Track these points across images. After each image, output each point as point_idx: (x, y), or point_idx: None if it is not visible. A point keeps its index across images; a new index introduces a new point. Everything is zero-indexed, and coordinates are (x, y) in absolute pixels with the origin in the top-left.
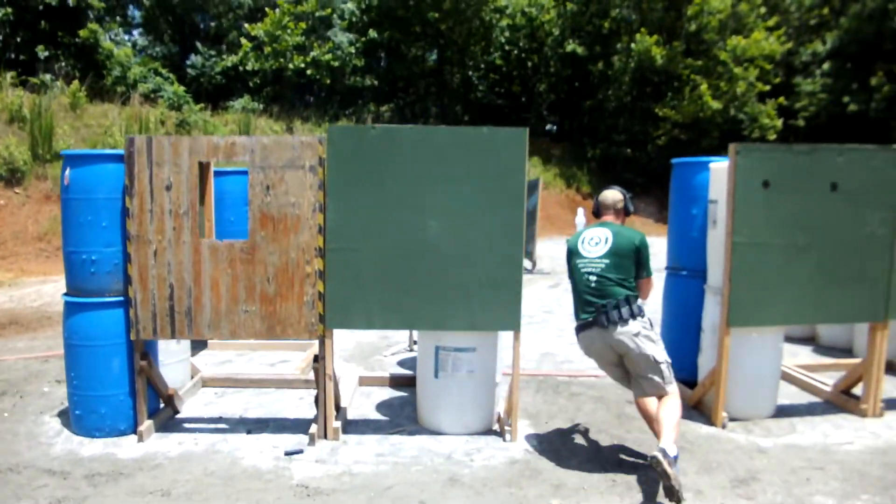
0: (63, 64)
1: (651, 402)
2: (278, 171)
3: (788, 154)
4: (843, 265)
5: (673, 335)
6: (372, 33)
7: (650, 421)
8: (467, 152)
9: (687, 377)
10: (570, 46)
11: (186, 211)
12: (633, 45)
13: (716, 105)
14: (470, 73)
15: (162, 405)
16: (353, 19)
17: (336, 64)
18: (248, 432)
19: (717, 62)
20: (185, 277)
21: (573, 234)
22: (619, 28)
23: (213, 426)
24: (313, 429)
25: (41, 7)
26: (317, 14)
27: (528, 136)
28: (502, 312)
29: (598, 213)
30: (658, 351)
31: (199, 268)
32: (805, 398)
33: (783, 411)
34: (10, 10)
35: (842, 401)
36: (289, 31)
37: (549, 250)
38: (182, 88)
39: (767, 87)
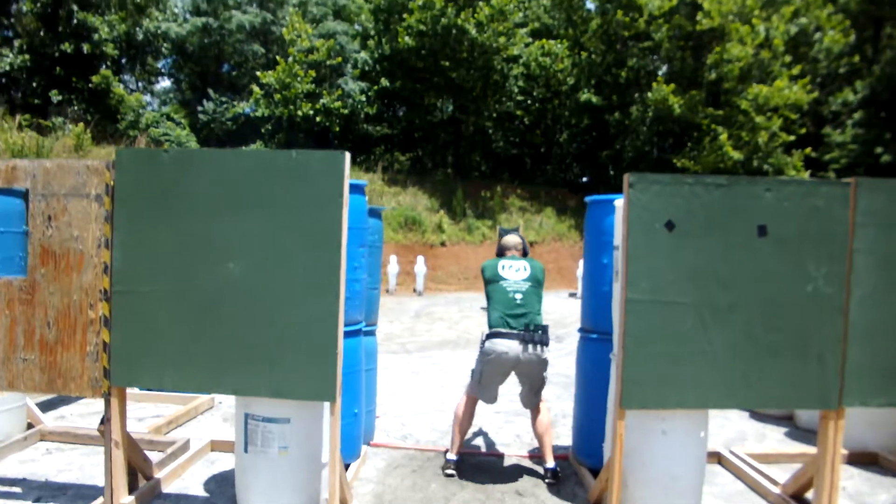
0: (76, 108)
1: (537, 418)
2: (61, 200)
3: (699, 188)
4: (779, 333)
5: (582, 411)
6: (384, 82)
7: (535, 428)
8: (274, 181)
9: (596, 465)
10: (585, 96)
11: None
12: (649, 94)
13: (737, 155)
14: (485, 123)
15: None
16: (366, 68)
17: (346, 112)
18: (36, 500)
19: (739, 111)
20: None
21: (489, 262)
22: (637, 77)
23: (4, 489)
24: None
25: (57, 54)
26: (328, 63)
27: (547, 184)
28: (313, 378)
29: (501, 253)
30: (546, 375)
31: None
32: (750, 500)
33: None
34: (27, 56)
35: None
36: (298, 78)
37: (554, 304)
38: (186, 132)
39: (792, 138)
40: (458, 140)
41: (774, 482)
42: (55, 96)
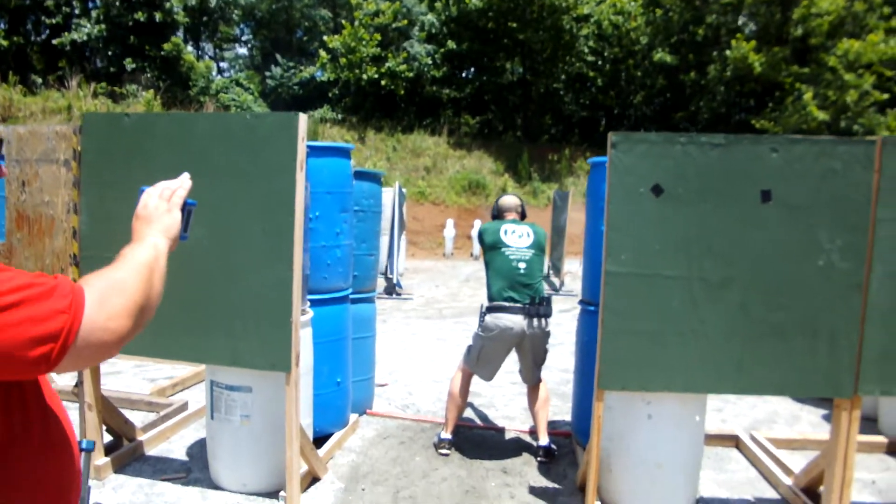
0: (149, 75)
1: (536, 394)
2: (33, 165)
3: (693, 148)
4: (783, 312)
5: (580, 387)
6: (451, 44)
7: (532, 405)
8: (230, 144)
9: None
10: (659, 55)
11: None
12: (727, 53)
13: (822, 116)
14: (556, 85)
15: None
16: (433, 31)
17: (411, 74)
18: None
19: (826, 69)
20: None
21: (489, 225)
22: (716, 35)
23: None
24: None
25: (131, 23)
26: (394, 26)
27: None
28: (268, 347)
29: (499, 215)
30: (548, 348)
31: None
32: (760, 490)
33: None
34: (103, 26)
35: (799, 503)
36: (364, 42)
37: None
38: (253, 98)
39: (886, 96)
40: (528, 103)
41: (789, 472)
42: (129, 64)
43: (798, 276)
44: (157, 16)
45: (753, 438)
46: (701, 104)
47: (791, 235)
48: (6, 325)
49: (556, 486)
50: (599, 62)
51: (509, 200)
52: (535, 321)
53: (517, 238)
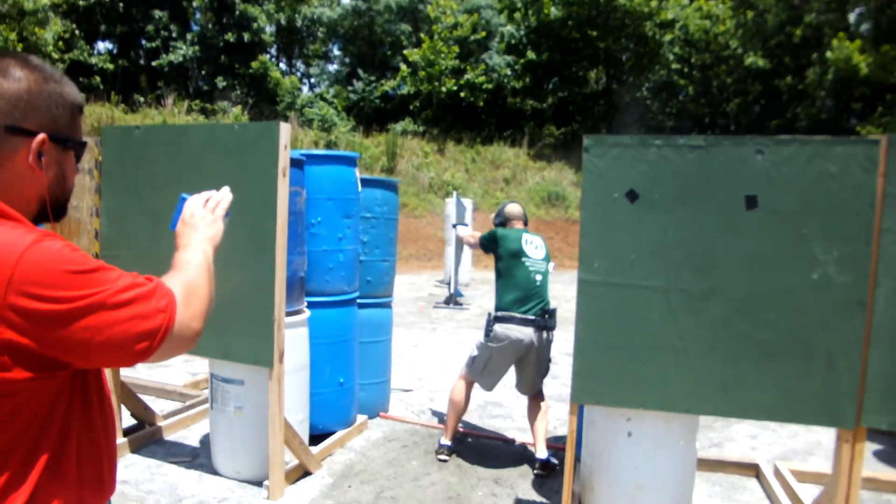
0: (238, 92)
1: (537, 405)
2: None
3: (670, 151)
4: (772, 329)
5: None
6: (531, 54)
7: (531, 416)
8: (219, 152)
9: None
10: (750, 59)
11: None
12: (828, 54)
13: None
14: (640, 93)
15: None
16: (513, 41)
17: (490, 86)
18: None
19: None
20: None
21: (509, 232)
22: (818, 35)
23: None
24: None
25: (222, 44)
26: (472, 38)
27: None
28: (254, 343)
29: (505, 223)
30: (551, 357)
31: None
32: None
33: None
34: (197, 48)
35: None
36: (443, 55)
37: None
38: (332, 111)
39: None
40: (613, 112)
41: None
42: (220, 82)
43: (789, 289)
44: (246, 36)
45: (776, 469)
46: (798, 111)
47: (780, 245)
48: (121, 320)
49: (545, 500)
50: (686, 69)
51: (516, 209)
52: (544, 334)
53: (534, 249)
